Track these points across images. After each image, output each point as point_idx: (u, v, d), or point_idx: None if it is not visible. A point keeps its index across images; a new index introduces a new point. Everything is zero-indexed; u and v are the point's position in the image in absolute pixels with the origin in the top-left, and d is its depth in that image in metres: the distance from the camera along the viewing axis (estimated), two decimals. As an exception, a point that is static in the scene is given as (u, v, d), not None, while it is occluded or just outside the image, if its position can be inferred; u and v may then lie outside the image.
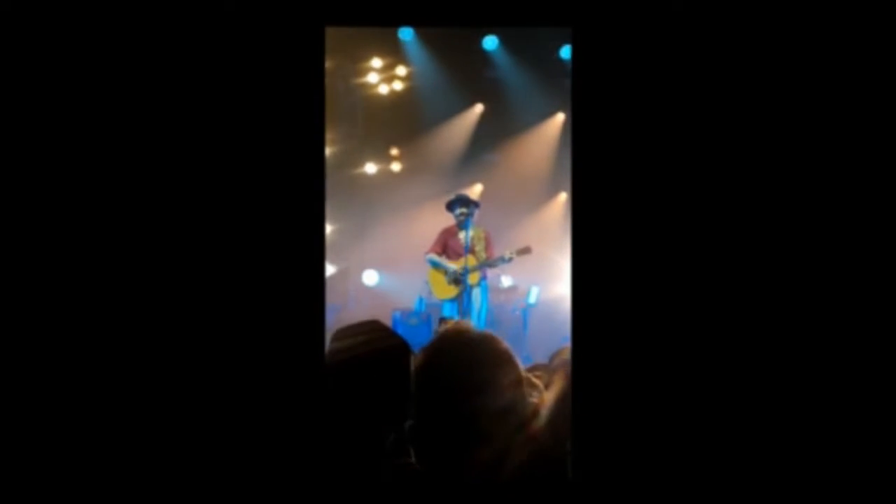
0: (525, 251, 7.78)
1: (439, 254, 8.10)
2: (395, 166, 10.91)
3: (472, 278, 7.77)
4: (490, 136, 10.88)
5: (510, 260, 7.75)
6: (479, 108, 10.88)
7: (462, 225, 7.94)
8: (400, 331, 4.18)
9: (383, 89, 10.44)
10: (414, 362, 2.25)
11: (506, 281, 9.88)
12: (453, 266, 7.90)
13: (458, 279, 7.82)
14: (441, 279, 8.03)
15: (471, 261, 7.79)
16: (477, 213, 8.02)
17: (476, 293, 7.77)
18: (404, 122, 10.56)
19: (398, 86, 10.41)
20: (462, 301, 7.74)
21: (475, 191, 10.77)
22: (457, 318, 7.62)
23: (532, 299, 9.75)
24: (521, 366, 2.22)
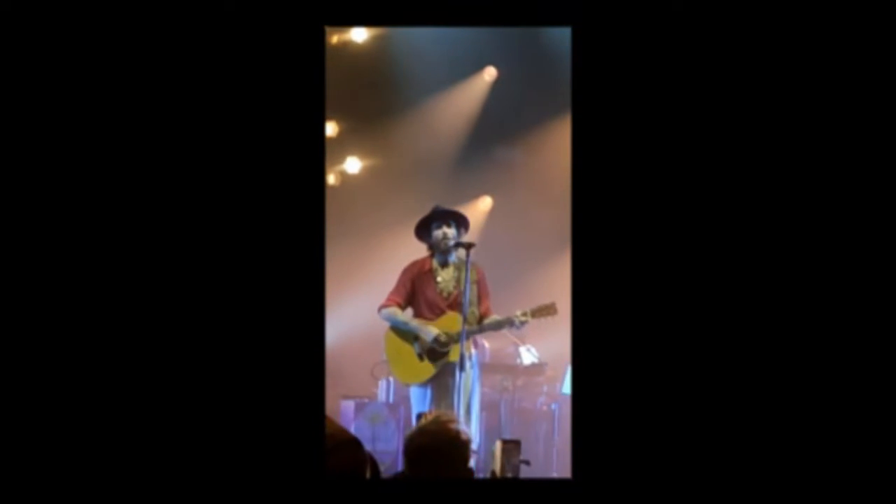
0: (546, 311, 4.82)
1: (402, 306, 5.03)
2: (353, 166, 6.76)
3: (455, 352, 4.74)
4: (506, 121, 6.84)
5: (521, 325, 4.85)
6: (489, 73, 6.73)
7: (443, 259, 4.93)
8: (355, 432, 2.97)
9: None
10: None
11: (526, 355, 6.26)
12: (431, 330, 4.90)
13: (436, 350, 4.88)
14: (407, 351, 5.01)
15: (456, 322, 4.75)
16: (466, 238, 4.93)
17: (465, 377, 4.71)
18: (370, 97, 6.50)
19: (358, 36, 6.00)
20: (449, 387, 4.75)
21: (481, 207, 6.89)
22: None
23: (568, 388, 6.06)
24: None
